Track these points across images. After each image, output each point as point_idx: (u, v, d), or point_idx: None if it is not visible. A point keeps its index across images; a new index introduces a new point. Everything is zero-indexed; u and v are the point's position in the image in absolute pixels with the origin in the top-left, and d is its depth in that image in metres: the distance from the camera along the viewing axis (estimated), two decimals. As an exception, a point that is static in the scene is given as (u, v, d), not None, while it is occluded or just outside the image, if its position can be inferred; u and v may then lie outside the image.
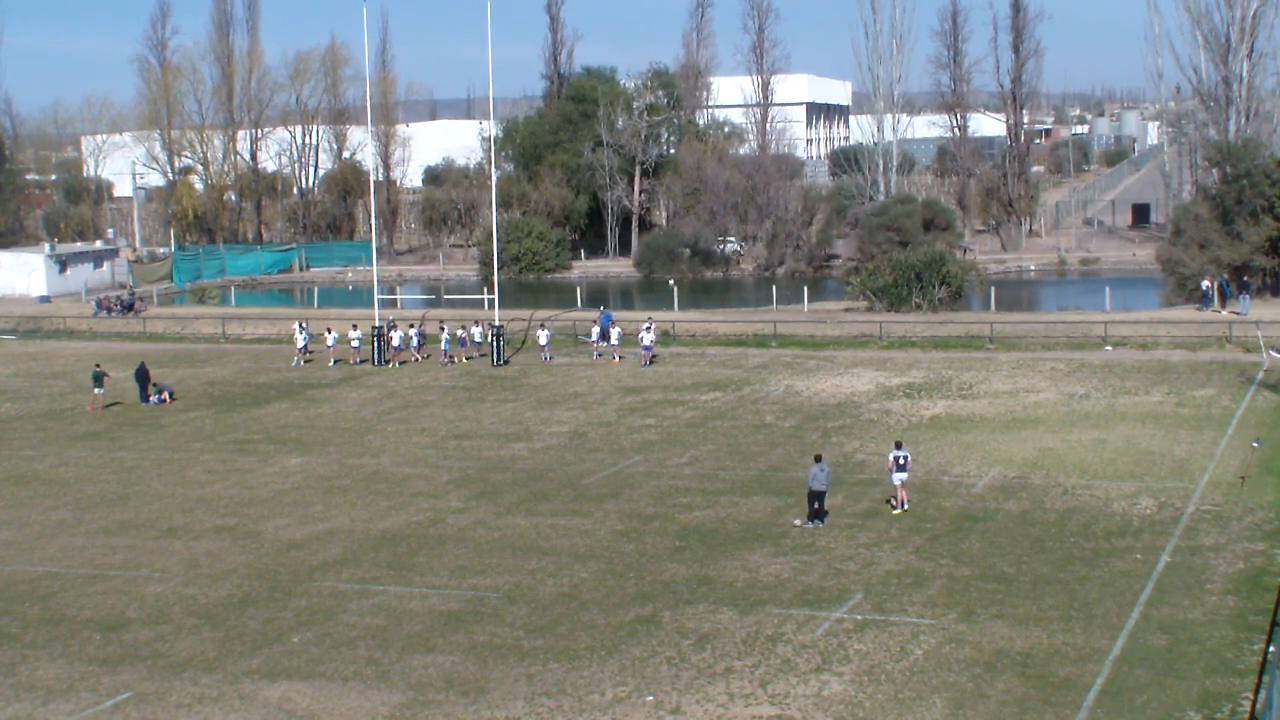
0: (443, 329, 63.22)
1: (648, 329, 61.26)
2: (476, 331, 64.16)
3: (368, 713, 23.51)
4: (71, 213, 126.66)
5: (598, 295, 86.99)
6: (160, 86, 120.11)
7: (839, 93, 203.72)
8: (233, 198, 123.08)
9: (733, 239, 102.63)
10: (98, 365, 55.28)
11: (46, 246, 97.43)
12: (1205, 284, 67.25)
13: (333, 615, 28.32)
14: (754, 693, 23.80)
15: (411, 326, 64.72)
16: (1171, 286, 74.38)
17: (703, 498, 36.95)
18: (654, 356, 60.52)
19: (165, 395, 53.80)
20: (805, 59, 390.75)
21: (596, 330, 64.45)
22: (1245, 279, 67.57)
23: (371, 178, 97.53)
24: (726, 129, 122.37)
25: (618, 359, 61.60)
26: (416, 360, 62.52)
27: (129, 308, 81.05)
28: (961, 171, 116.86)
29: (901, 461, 34.67)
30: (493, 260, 72.62)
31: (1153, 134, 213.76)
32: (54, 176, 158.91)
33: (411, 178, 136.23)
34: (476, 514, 35.96)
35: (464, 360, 62.37)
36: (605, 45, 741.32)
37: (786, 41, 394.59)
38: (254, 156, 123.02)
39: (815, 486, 33.63)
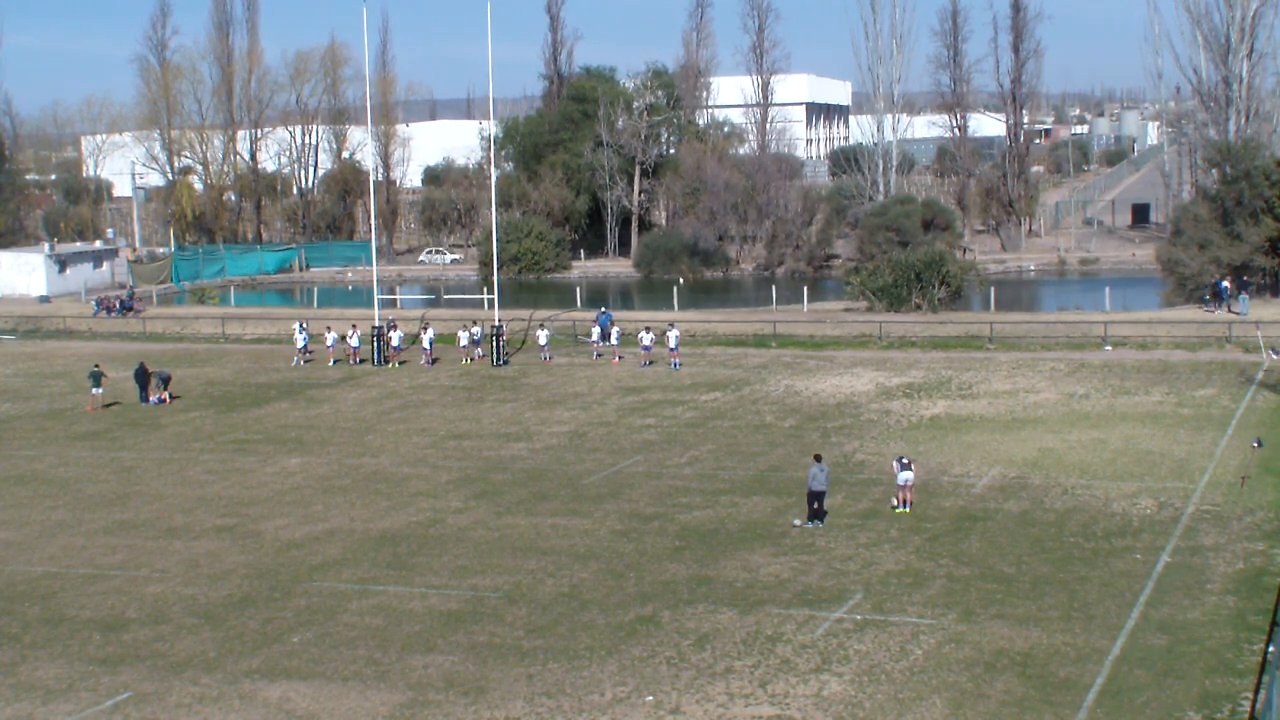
0: (462, 329, 63.47)
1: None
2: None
3: (368, 713, 23.51)
4: (71, 213, 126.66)
5: (597, 295, 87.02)
6: (160, 86, 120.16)
7: (839, 93, 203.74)
8: (232, 198, 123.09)
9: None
10: (96, 365, 55.30)
11: (46, 246, 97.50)
12: (1225, 283, 66.74)
13: (332, 615, 28.32)
14: (754, 693, 23.79)
15: (426, 329, 63.28)
16: (1171, 286, 74.41)
17: (703, 498, 36.95)
18: (679, 362, 59.69)
19: (165, 395, 53.77)
20: (805, 59, 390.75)
21: (596, 330, 64.44)
22: (1245, 279, 67.58)
23: (371, 178, 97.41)
24: (726, 129, 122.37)
25: (617, 359, 61.60)
26: (424, 364, 61.76)
27: (128, 308, 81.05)
28: (961, 171, 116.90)
29: (905, 461, 34.73)
30: (492, 260, 72.59)
31: (1153, 134, 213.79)
32: (54, 176, 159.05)
33: (411, 178, 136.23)
34: (476, 514, 35.96)
35: (466, 361, 62.30)
36: (605, 45, 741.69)
37: (786, 41, 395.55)
38: (254, 156, 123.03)
39: (815, 486, 33.63)
